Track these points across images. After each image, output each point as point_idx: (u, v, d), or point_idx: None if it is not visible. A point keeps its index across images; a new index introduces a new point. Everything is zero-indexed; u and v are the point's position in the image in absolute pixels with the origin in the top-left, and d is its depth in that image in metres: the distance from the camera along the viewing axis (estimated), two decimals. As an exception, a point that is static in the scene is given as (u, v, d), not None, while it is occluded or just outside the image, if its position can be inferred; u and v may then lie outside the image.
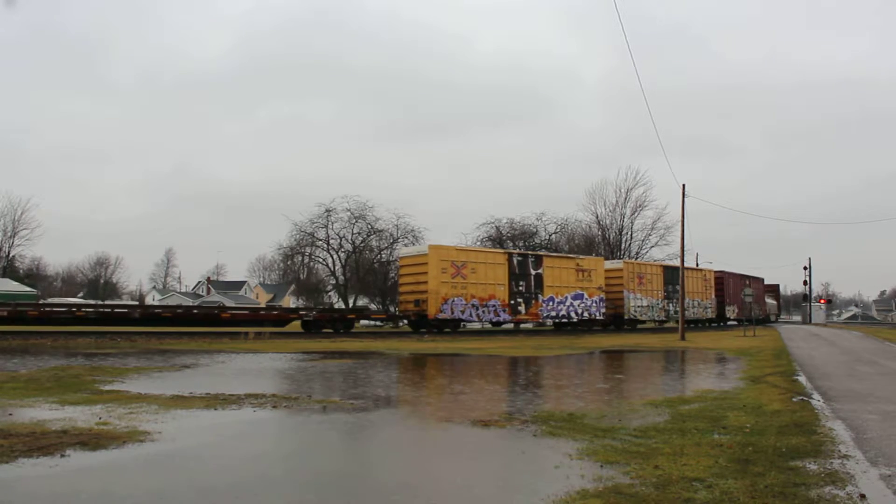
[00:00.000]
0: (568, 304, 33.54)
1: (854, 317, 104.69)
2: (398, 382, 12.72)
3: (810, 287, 72.33)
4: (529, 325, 37.83)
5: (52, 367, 12.81)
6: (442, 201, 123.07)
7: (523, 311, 31.63)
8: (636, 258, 54.37)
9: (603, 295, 35.59)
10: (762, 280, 58.08)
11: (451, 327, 29.24)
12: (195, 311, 28.12)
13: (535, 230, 55.90)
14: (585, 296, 34.51)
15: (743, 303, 49.24)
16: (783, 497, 4.72)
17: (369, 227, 48.67)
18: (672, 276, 41.23)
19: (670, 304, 40.83)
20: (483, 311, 29.77)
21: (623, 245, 57.89)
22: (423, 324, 28.97)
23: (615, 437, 6.80)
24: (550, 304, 32.79)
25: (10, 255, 63.34)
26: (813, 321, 68.94)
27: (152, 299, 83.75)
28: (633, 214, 58.31)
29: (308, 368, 14.72)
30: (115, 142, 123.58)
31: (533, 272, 32.04)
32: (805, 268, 69.37)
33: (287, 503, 4.66)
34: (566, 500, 4.60)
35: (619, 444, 6.49)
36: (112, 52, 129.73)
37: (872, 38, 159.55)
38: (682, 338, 30.48)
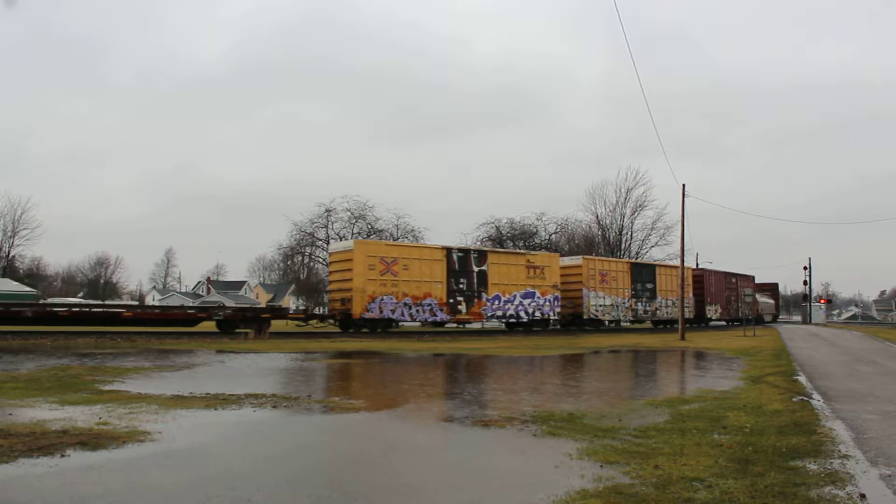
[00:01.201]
0: (517, 302, 31.57)
1: (854, 317, 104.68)
2: (398, 382, 12.72)
3: (810, 287, 72.39)
4: (477, 325, 35.35)
5: (52, 367, 12.81)
6: (442, 202, 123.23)
7: (464, 311, 29.73)
8: (636, 258, 54.38)
9: (558, 293, 33.49)
10: (752, 278, 56.48)
11: (381, 327, 27.58)
12: (94, 309, 25.72)
13: (535, 230, 56.04)
14: (538, 294, 32.47)
15: (728, 302, 47.88)
16: (783, 497, 4.72)
17: (369, 226, 48.77)
18: (641, 273, 39.62)
19: (639, 304, 38.89)
20: (417, 311, 27.96)
21: (623, 245, 57.98)
22: (350, 324, 27.34)
23: (615, 437, 6.80)
24: (496, 302, 30.87)
25: (10, 255, 63.43)
26: (813, 321, 68.95)
27: (152, 299, 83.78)
28: (633, 214, 58.44)
29: (308, 368, 14.72)
30: (114, 142, 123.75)
31: (476, 269, 30.12)
32: (805, 268, 69.46)
33: (288, 503, 4.66)
34: (566, 500, 4.60)
35: (620, 443, 6.49)
36: (112, 53, 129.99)
37: (866, 41, 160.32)
38: (682, 338, 30.49)
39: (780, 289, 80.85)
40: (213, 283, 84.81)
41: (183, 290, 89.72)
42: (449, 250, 29.75)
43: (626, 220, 58.52)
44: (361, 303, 26.69)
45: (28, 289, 54.85)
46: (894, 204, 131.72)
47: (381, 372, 14.75)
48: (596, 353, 20.89)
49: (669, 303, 41.01)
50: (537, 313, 32.44)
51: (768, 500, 4.64)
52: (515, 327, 32.95)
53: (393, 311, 27.32)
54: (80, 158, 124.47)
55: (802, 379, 12.87)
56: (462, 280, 29.66)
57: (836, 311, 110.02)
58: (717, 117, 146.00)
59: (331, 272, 29.87)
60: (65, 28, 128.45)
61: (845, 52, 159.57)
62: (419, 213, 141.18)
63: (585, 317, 35.33)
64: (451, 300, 29.12)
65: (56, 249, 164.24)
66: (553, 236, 57.28)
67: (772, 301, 57.51)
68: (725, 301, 48.10)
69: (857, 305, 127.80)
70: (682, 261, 35.43)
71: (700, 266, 50.68)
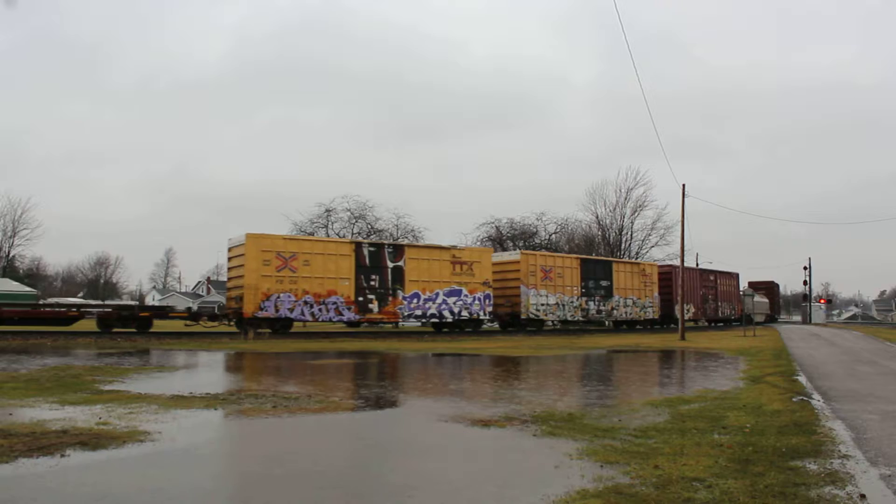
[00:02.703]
0: (440, 301, 29.04)
1: (854, 317, 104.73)
2: (398, 382, 12.72)
3: (810, 287, 72.40)
4: (389, 325, 32.84)
5: (52, 367, 12.81)
6: (441, 203, 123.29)
7: (375, 310, 27.44)
8: (636, 258, 54.35)
9: (489, 291, 30.86)
10: (736, 276, 52.91)
11: (280, 327, 25.35)
12: None
13: (535, 230, 56.01)
14: (465, 292, 29.85)
15: (704, 301, 44.79)
16: (783, 497, 4.72)
17: (369, 227, 48.76)
18: (593, 269, 36.61)
19: (591, 303, 35.79)
20: (319, 310, 25.84)
21: (623, 245, 57.92)
22: (247, 323, 24.87)
23: (615, 437, 6.80)
24: (415, 301, 28.43)
25: (10, 255, 63.41)
26: (813, 321, 68.98)
27: (152, 299, 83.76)
28: (633, 214, 58.31)
29: (307, 368, 14.72)
30: (114, 144, 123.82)
31: (390, 264, 27.88)
32: (805, 268, 69.48)
33: (288, 502, 4.66)
34: (566, 500, 4.60)
35: (619, 444, 6.49)
36: (112, 55, 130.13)
37: (855, 45, 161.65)
38: (682, 338, 30.50)
39: (781, 289, 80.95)
40: (213, 283, 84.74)
41: (183, 290, 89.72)
42: (358, 244, 27.74)
43: (626, 220, 58.45)
44: (254, 301, 24.51)
45: (28, 289, 54.84)
46: (894, 204, 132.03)
47: (380, 371, 14.75)
48: (594, 354, 20.89)
49: (629, 302, 38.02)
50: (464, 313, 29.80)
51: (768, 500, 4.64)
52: (443, 328, 30.61)
53: (291, 310, 25.20)
54: (81, 159, 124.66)
55: (802, 379, 12.88)
56: (374, 277, 27.43)
57: (836, 311, 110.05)
58: (710, 120, 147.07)
59: (229, 268, 27.78)
60: (65, 30, 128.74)
61: (833, 56, 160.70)
62: (418, 214, 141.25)
63: (524, 316, 32.45)
64: (361, 298, 26.92)
65: (56, 249, 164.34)
66: (553, 236, 57.30)
67: (765, 300, 53.25)
68: (701, 300, 45.10)
69: (857, 305, 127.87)
70: (682, 261, 35.42)
71: (668, 263, 47.69)
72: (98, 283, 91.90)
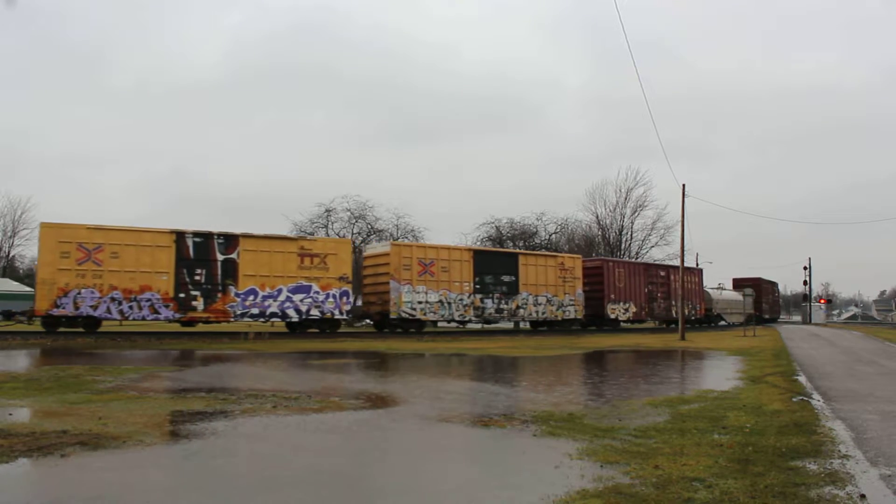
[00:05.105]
0: (283, 298, 26.09)
1: (854, 317, 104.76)
2: (397, 382, 12.71)
3: (810, 287, 72.41)
4: (217, 323, 28.04)
5: (52, 367, 12.81)
6: (442, 203, 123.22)
7: (200, 307, 24.50)
8: (636, 258, 54.33)
9: (347, 287, 27.62)
10: (699, 271, 47.58)
11: (85, 326, 22.75)
12: None
13: (535, 230, 56.01)
14: (315, 288, 26.75)
15: (650, 299, 39.87)
16: (783, 497, 4.72)
17: (369, 227, 48.74)
18: (491, 263, 31.98)
19: (488, 301, 31.35)
20: (130, 307, 23.15)
21: (623, 245, 57.93)
22: (49, 322, 22.56)
23: (615, 437, 6.80)
24: (252, 297, 25.45)
25: (10, 255, 63.46)
26: (813, 321, 68.98)
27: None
28: (633, 214, 58.26)
29: (307, 368, 14.72)
30: (114, 145, 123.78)
31: (220, 257, 24.96)
32: (805, 268, 69.51)
33: (289, 502, 4.66)
34: (566, 500, 4.60)
35: (619, 444, 6.49)
36: (111, 60, 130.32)
37: (839, 50, 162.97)
38: (682, 338, 30.50)
39: (781, 289, 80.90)
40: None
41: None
42: (180, 234, 24.44)
43: (626, 220, 58.41)
44: (49, 297, 22.02)
45: (28, 289, 54.75)
46: (894, 204, 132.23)
47: (380, 371, 14.74)
48: (594, 354, 20.89)
49: (541, 300, 33.23)
50: (314, 311, 26.71)
51: (768, 500, 4.64)
52: (297, 328, 27.42)
53: (95, 308, 22.60)
54: (80, 160, 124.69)
55: (802, 379, 12.88)
56: (200, 271, 24.60)
57: (836, 311, 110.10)
58: (700, 122, 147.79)
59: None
60: (67, 35, 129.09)
61: (815, 62, 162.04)
62: (419, 215, 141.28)
63: (394, 315, 28.57)
64: (182, 294, 24.13)
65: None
66: (553, 236, 57.31)
67: (743, 298, 46.56)
68: (646, 298, 39.75)
69: (857, 305, 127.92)
70: (682, 261, 35.39)
71: (600, 257, 44.32)
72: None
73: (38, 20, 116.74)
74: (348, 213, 48.18)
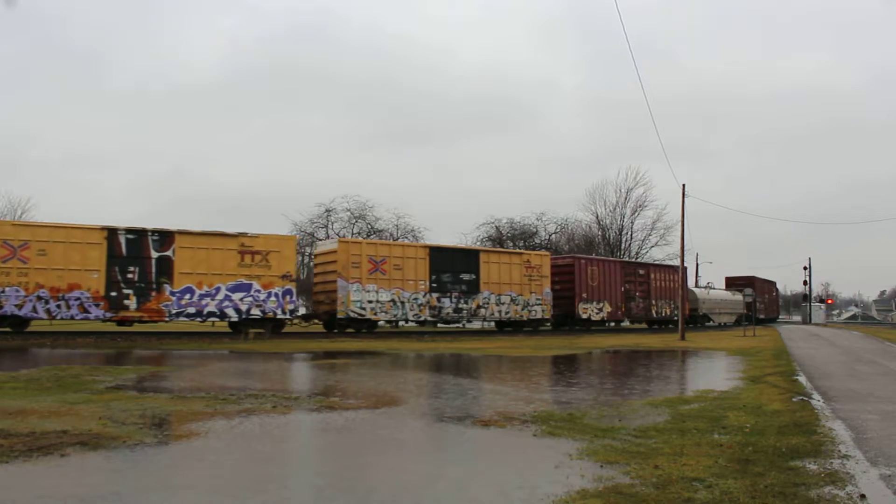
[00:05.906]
0: (222, 297, 25.17)
1: (854, 317, 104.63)
2: (396, 381, 12.71)
3: (810, 287, 72.39)
4: (151, 322, 26.17)
5: (52, 367, 12.81)
6: (442, 203, 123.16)
7: (133, 306, 23.62)
8: (636, 258, 54.33)
9: (290, 286, 26.64)
10: (676, 269, 43.90)
11: (9, 326, 22.13)
12: None
13: (535, 230, 56.07)
14: (256, 286, 25.75)
15: (628, 298, 38.51)
16: (783, 497, 4.72)
17: (369, 226, 48.78)
18: (450, 261, 30.62)
19: (445, 300, 30.00)
20: (58, 306, 22.37)
21: (623, 245, 57.95)
22: None
23: (615, 437, 6.80)
24: (188, 296, 24.61)
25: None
26: (813, 321, 68.98)
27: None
28: (633, 214, 58.28)
29: (306, 367, 14.73)
30: (114, 146, 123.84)
31: (155, 254, 24.13)
32: (805, 268, 69.53)
33: (289, 501, 4.66)
34: (566, 500, 4.60)
35: (619, 443, 6.49)
36: (112, 60, 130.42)
37: (830, 52, 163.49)
38: (682, 338, 30.50)
39: (781, 289, 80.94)
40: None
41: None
42: (112, 231, 23.68)
43: (626, 220, 58.44)
44: None
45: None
46: (894, 205, 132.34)
47: (379, 370, 14.75)
48: (594, 353, 20.89)
49: (504, 300, 31.90)
50: (255, 310, 25.71)
51: (768, 500, 4.64)
52: (238, 327, 26.11)
53: (20, 307, 21.85)
54: (80, 161, 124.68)
55: (802, 379, 12.88)
56: (133, 268, 23.84)
57: (836, 311, 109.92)
58: (698, 124, 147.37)
59: None
60: (66, 37, 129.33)
61: (812, 63, 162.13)
62: (419, 215, 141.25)
63: (341, 315, 27.54)
64: (114, 293, 23.29)
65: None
66: (553, 236, 57.35)
67: (733, 297, 44.60)
68: (622, 297, 38.25)
69: (857, 305, 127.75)
70: (682, 260, 35.49)
71: (571, 254, 42.86)
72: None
73: (38, 22, 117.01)
74: (348, 213, 48.26)
